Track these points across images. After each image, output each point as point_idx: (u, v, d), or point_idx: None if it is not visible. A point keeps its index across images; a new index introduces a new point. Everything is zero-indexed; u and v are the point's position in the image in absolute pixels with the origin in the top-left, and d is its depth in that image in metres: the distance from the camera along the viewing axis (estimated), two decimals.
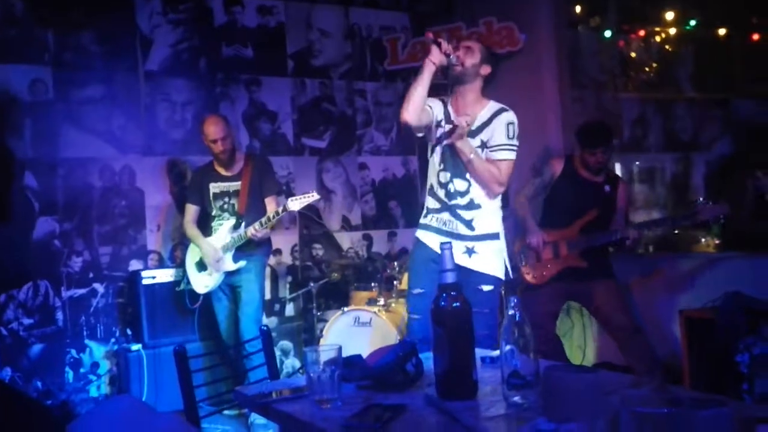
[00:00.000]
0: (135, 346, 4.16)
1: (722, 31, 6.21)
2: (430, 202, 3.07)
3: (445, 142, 2.97)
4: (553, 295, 3.82)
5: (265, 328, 2.32)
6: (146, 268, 4.51)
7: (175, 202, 4.70)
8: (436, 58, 2.85)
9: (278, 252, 4.99)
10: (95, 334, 4.38)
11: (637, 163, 6.34)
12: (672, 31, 6.31)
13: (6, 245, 0.93)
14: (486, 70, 2.99)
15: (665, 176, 6.42)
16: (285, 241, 5.05)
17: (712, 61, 6.36)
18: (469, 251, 2.95)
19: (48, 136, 4.32)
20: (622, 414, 1.11)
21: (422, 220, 3.10)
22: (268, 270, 4.63)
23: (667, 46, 6.43)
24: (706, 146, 6.47)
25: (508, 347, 1.59)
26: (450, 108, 2.98)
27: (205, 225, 4.21)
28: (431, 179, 3.08)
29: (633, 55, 6.33)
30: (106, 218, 4.49)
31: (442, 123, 3.00)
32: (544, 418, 1.39)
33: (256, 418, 3.93)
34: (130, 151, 4.59)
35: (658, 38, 6.41)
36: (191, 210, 4.23)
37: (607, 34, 5.93)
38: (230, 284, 4.14)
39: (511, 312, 1.61)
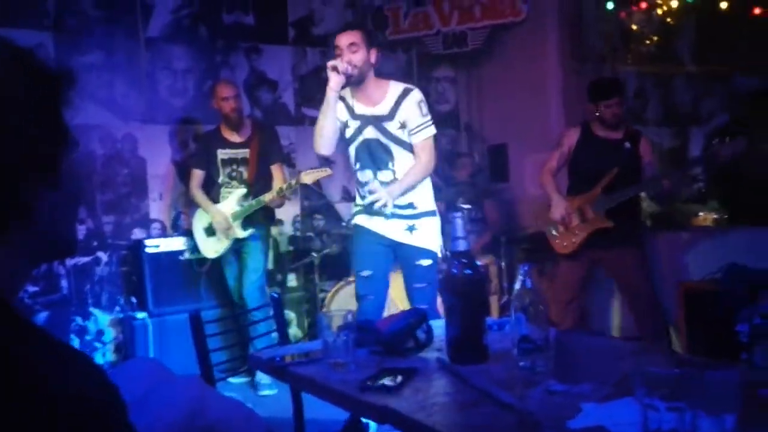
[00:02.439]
0: (140, 314, 4.20)
1: (724, 5, 6.19)
2: (360, 198, 3.14)
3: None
4: (582, 262, 3.84)
5: (276, 294, 2.36)
6: (149, 236, 4.54)
7: (177, 171, 4.71)
8: (337, 84, 2.91)
9: (280, 222, 5.02)
10: (100, 302, 4.41)
11: None
12: (674, 3, 6.27)
13: (51, 215, 0.95)
14: (374, 55, 3.00)
15: (663, 150, 6.44)
16: (286, 212, 5.07)
17: (713, 34, 6.34)
18: (410, 228, 3.06)
19: None
20: (634, 375, 1.15)
21: (357, 207, 3.16)
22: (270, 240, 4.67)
23: (668, 19, 6.40)
24: (705, 120, 6.48)
25: (517, 313, 1.63)
26: (352, 102, 3.03)
27: (209, 191, 4.23)
28: (353, 177, 3.15)
29: (634, 27, 6.30)
30: (108, 186, 4.50)
31: (348, 122, 3.05)
32: (555, 380, 1.43)
33: (262, 378, 4.01)
34: (132, 118, 4.58)
35: (659, 11, 6.37)
36: (197, 175, 4.24)
37: (610, 5, 5.90)
38: (236, 250, 4.18)
39: (521, 279, 1.65)
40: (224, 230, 4.08)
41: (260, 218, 4.13)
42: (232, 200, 4.11)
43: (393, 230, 3.07)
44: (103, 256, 4.45)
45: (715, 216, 4.65)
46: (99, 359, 4.32)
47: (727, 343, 2.75)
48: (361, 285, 3.13)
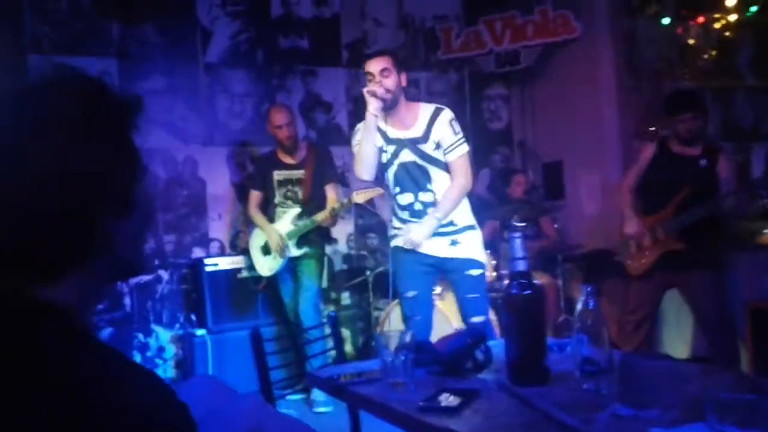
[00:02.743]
0: (200, 331, 4.29)
1: None
2: (398, 221, 3.15)
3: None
4: (654, 284, 3.70)
5: (333, 314, 2.39)
6: (208, 255, 4.64)
7: (235, 192, 4.82)
8: (375, 108, 2.94)
9: (334, 241, 5.07)
10: (160, 318, 4.54)
11: None
12: (732, 17, 6.14)
13: (126, 241, 0.98)
14: (404, 79, 3.04)
15: None
16: (341, 231, 5.12)
17: None
18: (454, 243, 3.08)
19: None
20: (705, 400, 1.13)
21: (395, 230, 3.18)
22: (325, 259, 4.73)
23: (726, 33, 6.26)
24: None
25: (580, 334, 1.61)
26: (386, 127, 3.05)
27: (266, 211, 4.33)
28: (392, 201, 3.17)
29: (691, 42, 6.18)
30: (169, 207, 4.64)
31: (384, 147, 3.07)
32: (621, 404, 1.40)
33: (317, 395, 4.04)
34: (192, 141, 4.72)
35: (717, 25, 6.24)
36: (255, 196, 4.34)
37: (666, 20, 5.81)
38: (292, 269, 4.26)
39: (584, 299, 1.63)
40: (279, 249, 4.15)
41: (315, 237, 4.20)
42: (287, 219, 4.19)
43: (436, 248, 3.09)
44: (164, 274, 4.57)
45: None
46: (160, 375, 4.42)
47: None
48: (407, 306, 3.16)
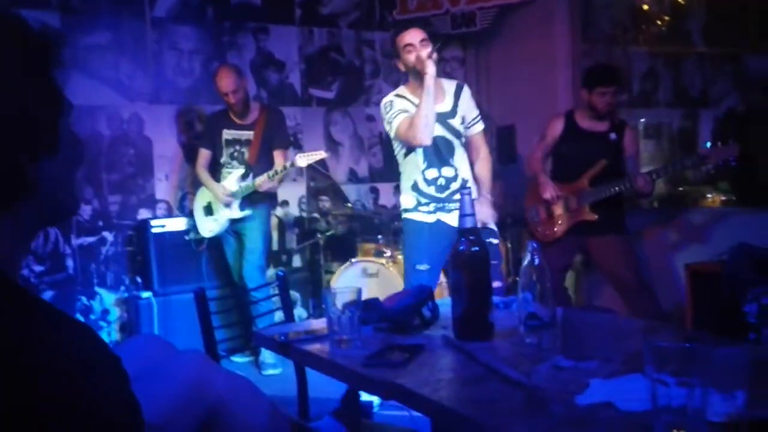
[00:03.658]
0: (145, 294, 4.21)
1: None
2: (415, 199, 3.16)
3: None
4: (564, 249, 3.83)
5: (281, 273, 2.35)
6: (155, 217, 4.54)
7: (183, 152, 4.70)
8: (434, 71, 2.94)
9: (285, 203, 5.01)
10: (105, 281, 4.43)
11: (642, 120, 6.30)
12: None
13: (53, 182, 0.93)
14: (435, 53, 3.04)
15: (672, 132, 6.38)
16: (292, 193, 5.06)
17: (724, 15, 6.25)
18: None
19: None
20: (643, 349, 1.14)
21: (411, 211, 3.20)
22: (275, 221, 4.68)
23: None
24: (715, 102, 6.41)
25: (524, 291, 1.61)
26: (417, 101, 3.04)
27: (214, 170, 4.25)
28: (414, 176, 3.15)
29: (645, 7, 6.22)
30: (114, 167, 4.50)
31: None
32: (562, 356, 1.42)
33: (266, 357, 4.03)
34: (138, 99, 4.57)
35: None
36: (203, 154, 4.27)
37: None
38: (236, 231, 4.22)
39: (528, 256, 1.63)
40: (224, 205, 4.12)
41: (259, 199, 4.14)
42: (231, 179, 4.14)
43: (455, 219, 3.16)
44: (109, 236, 4.45)
45: (723, 198, 4.61)
46: (104, 338, 4.34)
47: (735, 324, 2.74)
48: (416, 278, 3.17)
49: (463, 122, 3.13)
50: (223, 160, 4.21)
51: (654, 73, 6.10)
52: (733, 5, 6.16)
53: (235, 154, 4.18)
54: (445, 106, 3.10)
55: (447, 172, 3.13)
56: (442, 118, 3.08)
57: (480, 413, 1.18)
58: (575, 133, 3.81)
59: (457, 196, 3.05)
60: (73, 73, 4.35)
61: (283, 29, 5.08)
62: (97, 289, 4.40)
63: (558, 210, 3.79)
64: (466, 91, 3.16)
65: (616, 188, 3.64)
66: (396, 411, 2.45)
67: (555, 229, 3.81)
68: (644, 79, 5.96)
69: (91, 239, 4.40)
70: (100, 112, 4.45)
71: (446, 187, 3.13)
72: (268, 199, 4.26)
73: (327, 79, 5.26)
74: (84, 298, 4.35)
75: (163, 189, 4.66)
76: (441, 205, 3.14)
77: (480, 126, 3.19)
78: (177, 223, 4.37)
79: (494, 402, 1.23)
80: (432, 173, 3.13)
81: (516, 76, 5.29)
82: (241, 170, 4.12)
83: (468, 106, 3.13)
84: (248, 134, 4.15)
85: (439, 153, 3.11)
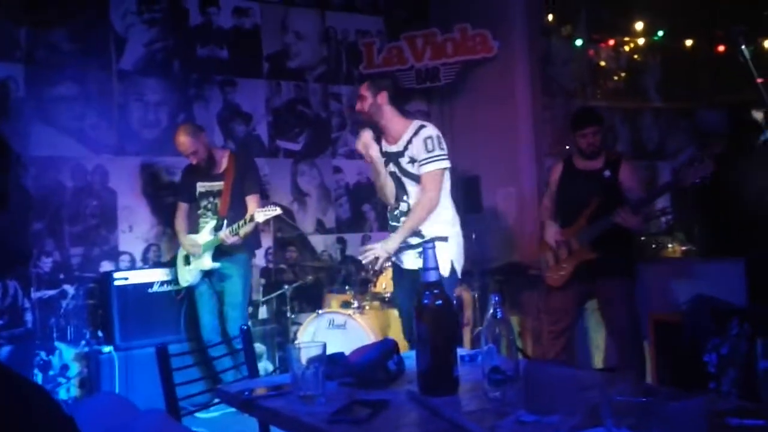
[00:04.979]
0: (106, 348, 4.11)
1: (689, 42, 6.38)
2: (392, 230, 3.32)
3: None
4: (573, 294, 3.82)
5: (245, 327, 2.33)
6: (118, 269, 4.47)
7: (148, 203, 4.67)
8: (375, 150, 3.21)
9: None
10: (65, 335, 4.32)
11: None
12: (641, 41, 6.46)
13: (4, 233, 0.92)
14: (383, 98, 3.25)
15: None
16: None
17: (678, 71, 6.52)
18: (420, 254, 3.13)
19: (19, 134, 4.25)
20: (601, 402, 1.15)
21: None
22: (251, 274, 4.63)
23: (635, 56, 6.58)
24: (672, 155, 6.62)
25: (488, 344, 1.62)
26: (383, 142, 3.31)
27: (191, 223, 4.29)
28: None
29: (602, 63, 6.46)
30: (77, 218, 4.44)
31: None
32: (525, 411, 1.42)
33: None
34: (103, 150, 4.55)
35: (627, 48, 6.55)
36: (182, 207, 4.32)
37: (578, 42, 6.05)
38: (214, 285, 4.22)
39: (492, 310, 1.65)
40: (195, 258, 4.13)
41: (236, 250, 4.11)
42: (206, 231, 4.15)
43: (408, 261, 3.26)
44: (70, 289, 4.36)
45: (684, 248, 4.72)
46: (63, 394, 4.21)
47: (695, 373, 2.78)
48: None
49: (412, 162, 3.18)
50: (199, 212, 4.24)
51: (612, 127, 6.29)
52: (686, 63, 6.43)
53: (209, 205, 4.20)
54: (398, 146, 3.23)
55: (402, 207, 3.26)
56: (394, 158, 3.24)
57: None
58: (572, 175, 3.87)
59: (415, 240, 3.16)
60: (37, 125, 4.33)
61: (250, 82, 5.14)
62: (56, 343, 4.28)
63: (563, 254, 3.80)
64: (423, 133, 3.17)
65: (606, 223, 3.63)
66: None
67: (561, 273, 3.80)
68: (603, 132, 6.13)
69: (51, 292, 4.30)
70: (64, 164, 4.42)
71: (399, 218, 3.26)
72: (246, 249, 4.21)
73: (294, 131, 5.32)
74: (43, 353, 4.23)
75: (127, 241, 4.61)
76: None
77: (430, 167, 3.14)
78: (141, 276, 4.30)
79: None
80: (394, 208, 3.31)
81: (479, 129, 5.40)
82: (214, 222, 4.13)
83: (419, 147, 3.16)
84: (219, 185, 4.17)
85: (395, 189, 3.27)
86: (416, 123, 3.27)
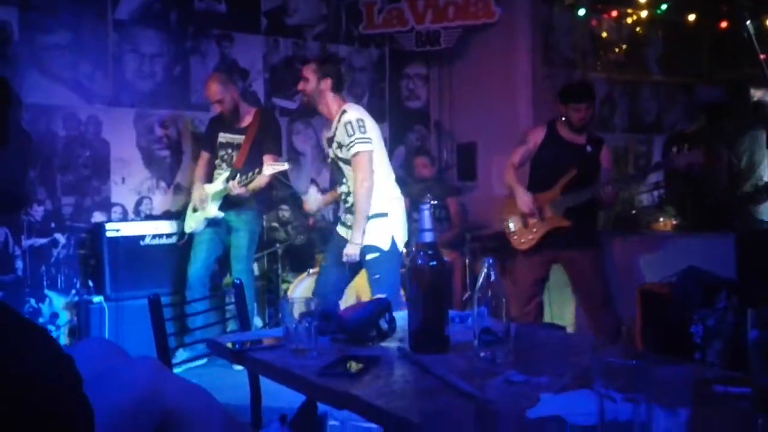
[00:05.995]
0: (96, 298, 4.13)
1: (692, 17, 6.32)
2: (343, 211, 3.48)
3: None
4: (538, 261, 3.88)
5: (238, 281, 2.34)
6: (110, 220, 4.46)
7: (141, 155, 4.64)
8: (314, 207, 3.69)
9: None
10: (56, 284, 4.33)
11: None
12: (643, 13, 6.39)
13: (2, 174, 0.92)
14: (326, 84, 3.29)
15: (628, 156, 6.55)
16: None
17: (679, 45, 6.47)
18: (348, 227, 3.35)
19: (12, 80, 4.19)
20: (593, 365, 1.17)
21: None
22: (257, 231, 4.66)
23: (637, 29, 6.51)
24: (668, 129, 6.60)
25: (480, 306, 1.64)
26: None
27: (211, 172, 4.36)
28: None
29: (604, 35, 6.39)
30: (69, 168, 4.41)
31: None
32: (515, 371, 1.44)
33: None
34: (97, 101, 4.50)
35: (629, 20, 6.48)
36: (203, 156, 4.41)
37: (581, 12, 5.98)
38: (221, 236, 4.30)
39: (484, 272, 1.66)
40: (200, 205, 4.22)
41: (244, 203, 4.19)
42: (218, 181, 4.22)
43: (341, 230, 3.42)
44: (61, 238, 4.36)
45: (674, 222, 4.75)
46: None
47: (682, 344, 2.82)
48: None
49: (340, 147, 3.24)
50: (216, 162, 4.31)
51: (611, 99, 6.26)
52: (688, 38, 6.38)
53: (225, 157, 4.27)
54: (330, 132, 3.32)
55: (342, 189, 3.35)
56: (329, 143, 3.34)
57: (433, 424, 1.20)
58: (555, 142, 3.91)
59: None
60: (30, 71, 4.27)
61: (248, 37, 5.07)
62: (46, 292, 4.29)
63: (533, 219, 3.83)
64: (344, 118, 3.21)
65: (588, 194, 3.74)
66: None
67: (530, 237, 3.85)
68: (602, 104, 6.10)
69: (42, 240, 4.30)
70: (57, 112, 4.37)
71: (346, 201, 3.35)
72: (256, 204, 4.30)
73: (291, 89, 5.26)
74: (33, 301, 4.24)
75: (119, 192, 4.58)
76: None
77: (353, 150, 3.18)
78: (132, 228, 4.30)
79: (447, 414, 1.24)
80: (339, 190, 3.43)
81: (478, 95, 5.37)
82: (226, 173, 4.17)
83: (341, 132, 3.21)
84: (240, 138, 4.24)
85: (332, 173, 3.42)
86: (342, 108, 3.28)
